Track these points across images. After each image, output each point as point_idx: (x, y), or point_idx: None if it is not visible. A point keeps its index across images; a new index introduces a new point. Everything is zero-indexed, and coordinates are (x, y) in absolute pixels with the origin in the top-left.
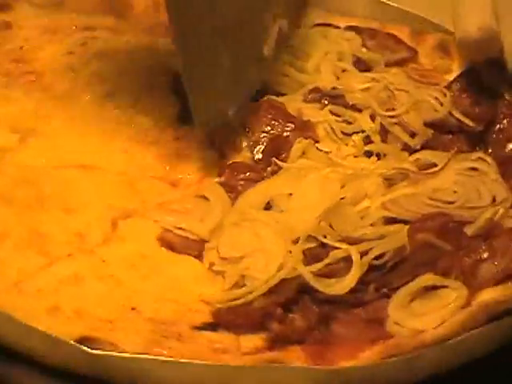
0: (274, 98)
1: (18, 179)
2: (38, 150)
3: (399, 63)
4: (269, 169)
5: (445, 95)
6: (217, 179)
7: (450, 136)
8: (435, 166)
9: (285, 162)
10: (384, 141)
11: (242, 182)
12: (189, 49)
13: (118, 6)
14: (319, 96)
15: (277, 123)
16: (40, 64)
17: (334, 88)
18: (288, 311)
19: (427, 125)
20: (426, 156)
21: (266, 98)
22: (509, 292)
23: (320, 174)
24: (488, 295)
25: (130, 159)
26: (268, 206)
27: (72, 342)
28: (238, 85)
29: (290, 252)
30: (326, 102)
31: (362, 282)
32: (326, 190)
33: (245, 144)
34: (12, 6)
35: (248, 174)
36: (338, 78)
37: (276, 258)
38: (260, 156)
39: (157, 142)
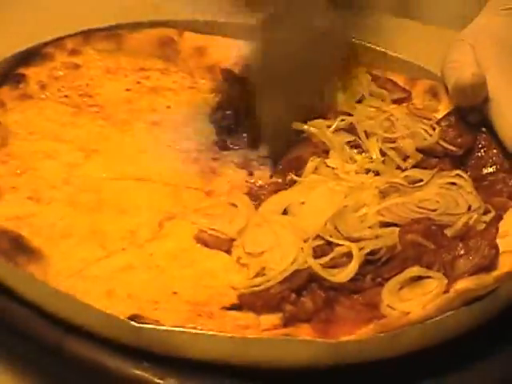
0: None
1: (83, 188)
2: (99, 166)
3: (396, 102)
4: (287, 180)
5: (434, 129)
6: None
7: (437, 159)
8: (422, 181)
9: (299, 176)
10: (382, 162)
11: (264, 192)
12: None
13: (168, 51)
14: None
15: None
16: (102, 98)
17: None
18: (299, 296)
19: (418, 150)
20: (414, 173)
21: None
22: (480, 282)
23: (327, 187)
24: (463, 284)
25: (175, 174)
26: (285, 212)
27: (123, 317)
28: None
29: (302, 248)
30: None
31: (361, 273)
32: (331, 200)
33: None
34: (81, 51)
35: (268, 186)
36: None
37: (290, 253)
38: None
39: (197, 161)
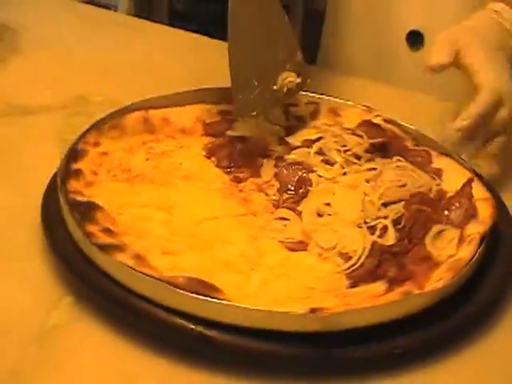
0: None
1: (187, 234)
2: (183, 216)
3: None
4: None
5: (362, 136)
6: None
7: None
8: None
9: (305, 191)
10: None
11: (282, 204)
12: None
13: (149, 126)
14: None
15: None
16: (137, 169)
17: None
18: (380, 265)
19: None
20: (370, 165)
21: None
22: (482, 225)
23: (343, 188)
24: (473, 229)
25: (228, 207)
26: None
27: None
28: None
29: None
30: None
31: (399, 239)
32: (350, 198)
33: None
34: (101, 142)
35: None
36: None
37: (357, 237)
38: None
39: (231, 195)
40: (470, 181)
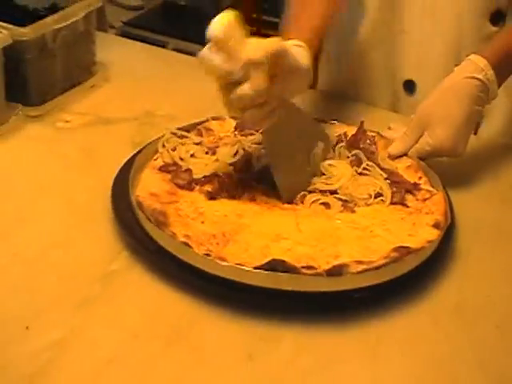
0: None
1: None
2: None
3: None
4: None
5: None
6: None
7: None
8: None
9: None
10: None
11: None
12: (275, 152)
13: None
14: None
15: None
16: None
17: None
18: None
19: None
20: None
21: None
22: None
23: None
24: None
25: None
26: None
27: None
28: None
29: None
30: None
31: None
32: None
33: None
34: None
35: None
36: None
37: (368, 180)
38: None
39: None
40: (361, 123)
